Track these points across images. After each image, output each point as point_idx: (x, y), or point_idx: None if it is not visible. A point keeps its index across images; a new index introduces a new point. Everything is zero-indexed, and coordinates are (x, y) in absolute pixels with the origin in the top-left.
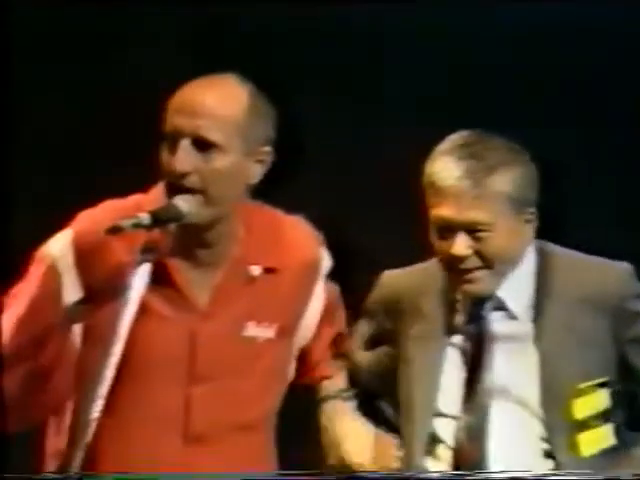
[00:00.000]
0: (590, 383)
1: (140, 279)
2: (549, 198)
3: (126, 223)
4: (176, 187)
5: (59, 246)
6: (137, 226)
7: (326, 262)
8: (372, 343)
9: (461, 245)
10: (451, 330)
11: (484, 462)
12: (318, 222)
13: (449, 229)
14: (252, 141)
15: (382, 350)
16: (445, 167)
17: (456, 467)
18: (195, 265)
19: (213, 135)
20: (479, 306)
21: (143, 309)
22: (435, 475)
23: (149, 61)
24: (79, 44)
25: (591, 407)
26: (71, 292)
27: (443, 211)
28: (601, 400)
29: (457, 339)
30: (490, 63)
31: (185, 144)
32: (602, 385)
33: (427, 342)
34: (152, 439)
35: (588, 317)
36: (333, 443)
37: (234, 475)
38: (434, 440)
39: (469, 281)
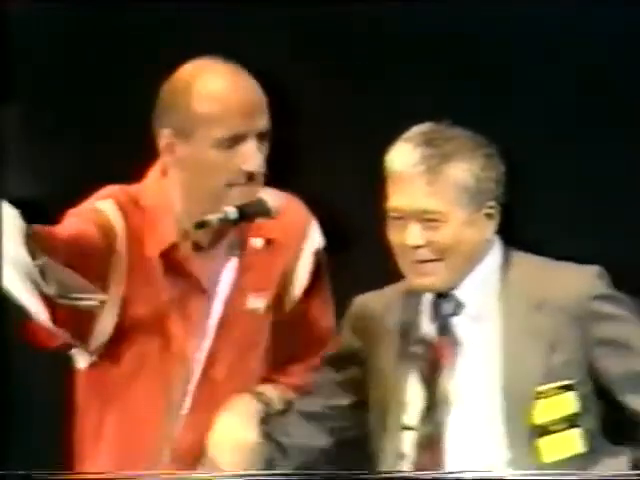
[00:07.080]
0: (551, 386)
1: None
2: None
3: (213, 218)
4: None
5: (111, 210)
6: (224, 221)
7: (316, 239)
8: (342, 364)
9: (414, 235)
10: (414, 340)
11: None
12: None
13: (403, 218)
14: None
15: (352, 371)
16: (401, 154)
17: None
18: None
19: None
20: (440, 310)
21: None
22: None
23: None
24: None
25: (553, 411)
26: (119, 260)
27: (397, 199)
28: (565, 404)
29: (420, 348)
30: None
31: (253, 144)
32: (567, 389)
33: (393, 357)
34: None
35: (552, 320)
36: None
37: None
38: (400, 456)
39: (422, 274)
